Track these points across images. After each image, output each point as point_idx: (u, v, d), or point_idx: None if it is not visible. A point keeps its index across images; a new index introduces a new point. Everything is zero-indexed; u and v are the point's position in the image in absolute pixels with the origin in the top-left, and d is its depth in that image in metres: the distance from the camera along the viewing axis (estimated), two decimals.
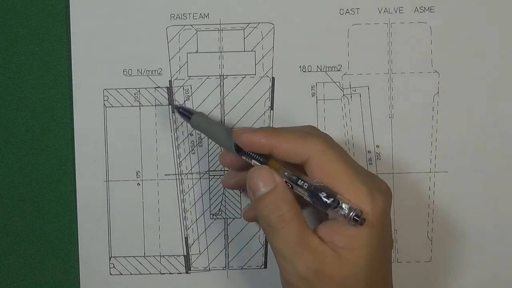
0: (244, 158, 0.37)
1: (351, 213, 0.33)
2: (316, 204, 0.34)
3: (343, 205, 0.33)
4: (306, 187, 0.35)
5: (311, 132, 0.37)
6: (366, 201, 0.33)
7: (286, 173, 0.36)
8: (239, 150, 0.37)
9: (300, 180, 0.35)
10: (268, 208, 0.34)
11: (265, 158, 0.37)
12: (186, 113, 0.41)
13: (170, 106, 0.44)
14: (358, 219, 0.33)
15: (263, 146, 0.36)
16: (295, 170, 0.36)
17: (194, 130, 0.44)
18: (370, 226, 0.33)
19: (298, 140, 0.35)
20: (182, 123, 0.44)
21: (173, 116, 0.44)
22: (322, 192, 0.34)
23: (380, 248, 0.34)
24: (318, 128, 0.43)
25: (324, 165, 0.34)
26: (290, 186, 0.35)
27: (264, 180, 0.35)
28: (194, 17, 0.44)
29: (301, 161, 0.35)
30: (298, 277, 0.34)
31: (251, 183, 0.35)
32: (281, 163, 0.36)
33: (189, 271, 0.44)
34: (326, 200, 0.33)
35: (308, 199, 0.35)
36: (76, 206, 0.44)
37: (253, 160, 0.37)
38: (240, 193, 0.44)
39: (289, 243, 0.34)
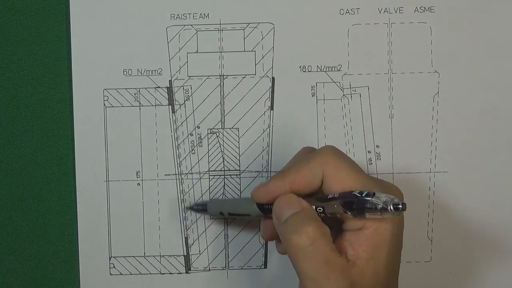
0: (271, 215, 0.36)
1: (391, 202, 0.31)
2: (352, 211, 0.33)
3: (381, 197, 0.32)
4: (337, 195, 0.34)
5: (312, 152, 0.36)
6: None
7: (314, 198, 0.35)
8: (262, 209, 0.37)
9: (329, 195, 0.34)
10: (294, 227, 0.33)
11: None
12: (200, 207, 0.42)
13: (170, 106, 0.44)
14: (400, 207, 0.31)
15: (282, 187, 0.35)
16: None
17: (194, 130, 0.44)
18: (390, 233, 0.33)
19: (308, 164, 0.35)
20: (182, 123, 0.44)
21: (173, 116, 0.44)
22: (355, 190, 0.33)
23: (397, 252, 0.34)
24: (317, 129, 0.44)
25: (339, 175, 0.34)
26: (320, 211, 0.35)
27: (290, 204, 0.34)
28: (194, 17, 0.44)
29: (319, 181, 0.34)
30: None
31: (277, 209, 0.35)
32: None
33: (189, 271, 0.44)
34: (361, 194, 0.32)
35: (342, 211, 0.33)
36: (76, 206, 0.44)
37: None
38: (240, 193, 0.44)
39: (317, 264, 0.33)
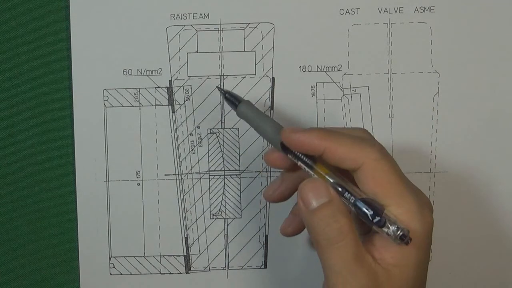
0: (290, 157, 0.36)
1: (398, 232, 0.32)
2: (361, 217, 0.33)
3: (391, 226, 0.32)
4: (352, 201, 0.33)
5: (366, 138, 0.35)
6: (416, 218, 0.33)
7: (332, 182, 0.34)
8: (285, 148, 0.35)
9: (346, 193, 0.34)
10: (325, 221, 0.33)
11: (313, 161, 0.35)
12: (233, 100, 0.38)
13: (170, 106, 0.44)
14: (404, 239, 0.32)
15: (316, 147, 0.34)
16: (342, 178, 0.34)
17: (194, 130, 0.44)
18: (419, 244, 0.33)
19: (354, 146, 0.34)
20: (182, 123, 0.44)
21: (173, 116, 0.44)
22: (369, 209, 0.33)
23: (425, 264, 0.34)
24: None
25: (377, 175, 0.33)
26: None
27: (319, 192, 0.33)
28: (194, 17, 0.44)
29: (353, 167, 0.34)
30: None
31: (304, 194, 0.33)
32: (329, 168, 0.35)
33: (189, 271, 0.44)
34: (372, 218, 0.32)
35: (353, 209, 0.34)
36: (76, 206, 0.44)
37: (299, 162, 0.35)
38: (240, 193, 0.44)
39: (346, 259, 0.32)
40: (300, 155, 0.35)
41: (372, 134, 0.43)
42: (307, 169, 0.35)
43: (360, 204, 0.33)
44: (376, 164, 0.33)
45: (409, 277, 0.33)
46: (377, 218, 0.32)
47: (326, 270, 0.33)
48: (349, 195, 0.34)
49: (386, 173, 0.33)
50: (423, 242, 0.33)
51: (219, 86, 0.43)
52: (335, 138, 0.34)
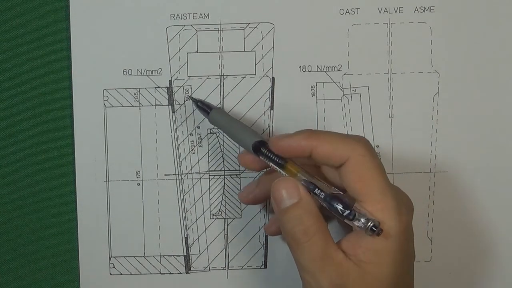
0: (262, 158, 0.37)
1: (369, 224, 0.32)
2: (333, 212, 0.34)
3: (361, 218, 0.33)
4: (322, 196, 0.34)
5: (350, 136, 0.36)
6: (393, 215, 0.33)
7: (303, 181, 0.35)
8: (257, 150, 0.37)
9: (316, 189, 0.34)
10: (292, 222, 0.34)
11: (283, 161, 0.36)
12: (205, 108, 0.41)
13: (170, 106, 0.44)
14: (376, 230, 0.32)
15: (304, 148, 0.35)
16: (313, 176, 0.35)
17: (194, 130, 0.44)
18: (395, 240, 0.33)
19: (340, 142, 0.34)
20: (182, 123, 0.44)
21: (173, 116, 0.44)
22: (339, 204, 0.33)
23: (404, 262, 0.34)
24: (317, 129, 0.44)
25: (360, 170, 0.34)
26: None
27: (289, 192, 0.34)
28: (194, 17, 0.44)
29: (339, 163, 0.34)
30: None
31: (275, 194, 0.35)
32: (300, 166, 0.36)
33: (189, 271, 0.44)
34: (342, 212, 0.33)
35: (325, 205, 0.34)
36: (76, 206, 0.44)
37: (271, 162, 0.36)
38: None
39: (313, 258, 0.33)
40: (270, 155, 0.36)
41: (372, 134, 0.44)
42: (278, 168, 0.36)
43: (330, 199, 0.34)
44: (361, 159, 0.34)
45: (385, 274, 0.33)
46: (347, 212, 0.33)
47: (298, 267, 0.34)
48: (319, 191, 0.34)
49: (370, 169, 0.34)
50: (399, 239, 0.33)
51: (191, 95, 0.43)
52: (321, 136, 0.35)
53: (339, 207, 0.33)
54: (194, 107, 0.43)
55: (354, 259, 0.33)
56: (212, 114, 0.40)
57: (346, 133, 0.43)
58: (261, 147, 0.37)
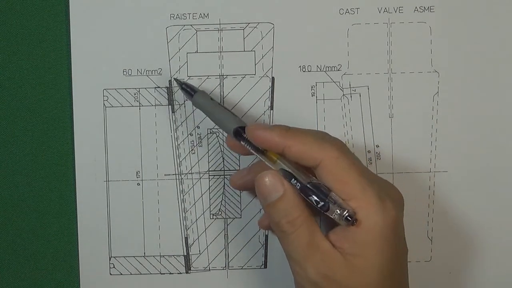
0: (242, 143, 0.38)
1: (344, 213, 0.33)
2: (310, 203, 0.35)
3: (336, 209, 0.33)
4: (298, 187, 0.35)
5: (325, 138, 0.37)
6: (377, 210, 0.33)
7: (280, 169, 0.36)
8: (238, 135, 0.38)
9: (293, 179, 0.35)
10: (279, 214, 0.35)
11: (261, 151, 0.37)
12: (189, 90, 0.41)
13: (170, 106, 0.44)
14: (350, 219, 0.33)
15: (277, 145, 0.36)
16: (291, 166, 0.36)
17: (194, 130, 0.44)
18: (381, 234, 0.33)
19: (312, 144, 0.35)
20: (182, 123, 0.44)
21: (173, 116, 0.44)
22: (313, 196, 0.34)
23: (393, 256, 0.34)
24: (317, 129, 0.44)
25: (336, 172, 0.34)
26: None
27: (273, 185, 0.35)
28: (194, 17, 0.44)
29: (312, 165, 0.35)
30: (309, 281, 0.34)
31: (260, 189, 0.36)
32: (279, 156, 0.36)
33: (189, 271, 0.44)
34: (316, 204, 0.34)
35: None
36: (76, 206, 0.44)
37: (251, 149, 0.37)
38: (240, 193, 0.44)
39: (299, 247, 0.34)
40: (251, 142, 0.37)
41: (372, 134, 0.44)
42: (258, 155, 0.37)
43: (305, 191, 0.34)
44: (335, 161, 0.34)
45: (372, 267, 0.33)
46: (321, 203, 0.34)
47: (288, 260, 0.35)
48: (295, 182, 0.35)
49: (345, 170, 0.34)
50: (385, 232, 0.33)
51: (176, 78, 0.43)
52: (295, 136, 0.35)
53: (314, 198, 0.34)
54: (178, 89, 0.43)
55: (341, 251, 0.34)
56: (196, 97, 0.41)
57: (345, 133, 0.43)
58: (242, 133, 0.38)
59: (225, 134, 0.44)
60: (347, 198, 0.34)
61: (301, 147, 0.35)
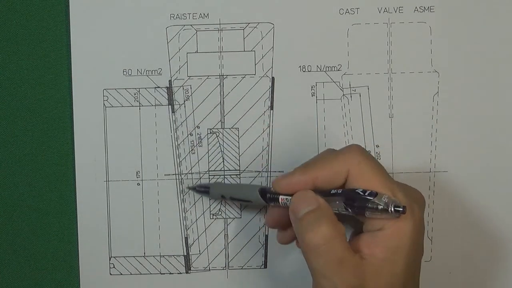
0: (272, 204, 0.38)
1: (391, 204, 0.33)
2: (353, 207, 0.34)
3: (382, 196, 0.33)
4: (340, 191, 0.34)
5: (339, 150, 0.36)
6: (407, 214, 0.33)
7: (317, 192, 0.35)
8: (265, 196, 0.38)
9: (332, 190, 0.35)
10: (310, 226, 0.34)
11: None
12: (203, 189, 0.42)
13: (170, 106, 0.44)
14: (400, 209, 0.32)
15: (305, 182, 0.35)
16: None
17: (194, 130, 0.44)
18: (409, 237, 0.33)
19: (333, 161, 0.35)
20: (182, 123, 0.44)
21: (173, 116, 0.44)
22: (358, 189, 0.34)
23: (416, 258, 0.35)
24: (317, 129, 0.44)
25: (365, 175, 0.34)
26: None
27: (307, 201, 0.35)
28: (194, 17, 0.44)
29: (343, 179, 0.35)
30: None
31: (293, 206, 0.35)
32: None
33: (189, 271, 0.44)
34: (363, 193, 0.33)
35: (343, 209, 0.34)
36: (76, 206, 0.44)
37: (280, 197, 0.37)
38: None
39: (331, 262, 0.33)
40: (279, 196, 0.37)
41: (372, 134, 0.44)
42: (289, 198, 0.36)
43: (349, 191, 0.34)
44: (360, 166, 0.34)
45: (399, 271, 0.33)
46: (368, 191, 0.33)
47: (313, 273, 0.34)
48: (335, 190, 0.35)
49: (372, 172, 0.34)
50: (413, 237, 0.34)
51: (188, 185, 0.44)
52: (315, 165, 0.36)
53: (360, 191, 0.33)
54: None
55: (370, 258, 0.33)
56: (212, 190, 0.42)
57: (345, 133, 0.43)
58: (265, 195, 0.38)
59: (225, 135, 0.44)
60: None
61: (326, 171, 0.35)
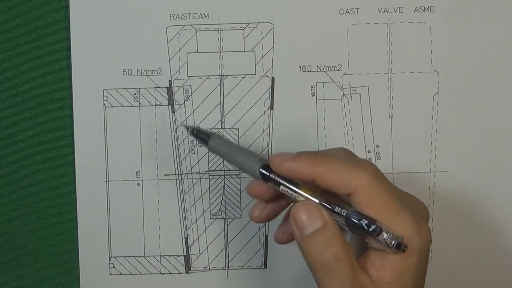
0: (271, 184, 0.34)
1: (393, 241, 0.31)
2: (354, 232, 0.32)
3: (385, 233, 0.32)
4: (344, 214, 0.32)
5: (355, 161, 0.34)
6: (414, 234, 0.32)
7: (320, 200, 0.33)
8: (265, 176, 0.34)
9: (337, 207, 0.33)
10: (320, 247, 0.32)
11: (295, 185, 0.34)
12: (202, 136, 0.36)
13: (170, 106, 0.44)
14: (400, 247, 0.31)
15: (307, 174, 0.33)
16: (328, 197, 0.34)
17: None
18: (418, 258, 0.32)
19: (344, 171, 0.33)
20: (182, 123, 0.44)
21: (173, 116, 0.44)
22: (363, 219, 0.32)
23: (422, 276, 0.34)
24: (317, 129, 0.44)
25: (371, 200, 0.32)
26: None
27: (312, 216, 0.32)
28: (194, 17, 0.44)
29: (346, 193, 0.33)
30: None
31: (296, 219, 0.33)
32: (312, 189, 0.34)
33: (189, 271, 0.44)
34: (368, 227, 0.32)
35: (344, 226, 0.33)
36: (76, 206, 0.44)
37: (282, 187, 0.34)
38: (240, 193, 0.44)
39: (343, 284, 0.32)
40: (281, 180, 0.34)
41: (372, 134, 0.44)
42: (291, 192, 0.34)
43: (353, 216, 0.32)
44: (368, 189, 0.32)
45: None
46: (373, 227, 0.31)
47: None
48: (339, 209, 0.33)
49: (380, 197, 0.32)
50: (421, 257, 0.33)
51: (185, 124, 0.42)
52: (324, 163, 0.33)
53: (364, 223, 0.32)
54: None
55: (379, 281, 0.32)
56: (211, 142, 0.36)
57: (345, 133, 0.43)
58: (270, 172, 0.34)
59: (225, 135, 0.44)
60: (385, 224, 0.32)
61: (332, 176, 0.33)
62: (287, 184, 0.34)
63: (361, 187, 0.32)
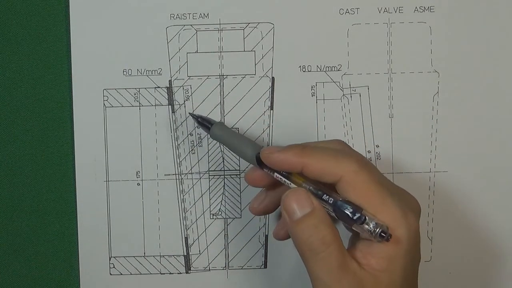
0: (266, 171, 0.37)
1: (377, 229, 0.32)
2: (341, 219, 0.33)
3: (370, 223, 0.32)
4: (331, 202, 0.34)
5: (343, 151, 0.36)
6: (401, 223, 0.33)
7: (310, 188, 0.35)
8: (261, 163, 0.37)
9: (325, 195, 0.34)
10: (308, 231, 0.33)
11: (288, 172, 0.36)
12: (206, 123, 0.41)
13: (170, 106, 0.44)
14: (385, 235, 0.32)
15: (294, 165, 0.35)
16: (319, 185, 0.35)
17: (194, 130, 0.44)
18: (405, 246, 0.33)
19: (330, 160, 0.34)
20: (182, 123, 0.44)
21: (173, 116, 0.44)
22: (348, 207, 0.33)
23: (413, 265, 0.34)
24: (317, 129, 0.44)
25: (357, 186, 0.33)
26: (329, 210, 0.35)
27: (302, 202, 0.34)
28: (194, 17, 0.44)
29: (333, 181, 0.34)
30: None
31: (287, 205, 0.34)
32: (304, 177, 0.35)
33: (189, 271, 0.44)
34: (352, 216, 0.33)
35: (333, 214, 0.34)
36: (76, 206, 0.44)
37: (276, 173, 0.36)
38: (240, 193, 0.44)
39: (330, 268, 0.33)
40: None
41: (372, 134, 0.44)
42: (283, 179, 0.36)
43: (339, 204, 0.33)
44: (354, 175, 0.33)
45: (397, 280, 0.33)
46: (357, 215, 0.33)
47: (312, 279, 0.34)
48: (327, 197, 0.34)
49: (365, 184, 0.33)
50: (409, 245, 0.33)
51: (191, 112, 0.43)
52: (311, 154, 0.35)
53: (349, 211, 0.33)
54: (195, 124, 0.43)
55: (367, 268, 0.33)
56: (213, 129, 0.40)
57: (345, 133, 0.43)
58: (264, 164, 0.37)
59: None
60: (371, 212, 0.33)
61: (318, 165, 0.34)
62: (280, 171, 0.36)
63: (346, 175, 0.34)
